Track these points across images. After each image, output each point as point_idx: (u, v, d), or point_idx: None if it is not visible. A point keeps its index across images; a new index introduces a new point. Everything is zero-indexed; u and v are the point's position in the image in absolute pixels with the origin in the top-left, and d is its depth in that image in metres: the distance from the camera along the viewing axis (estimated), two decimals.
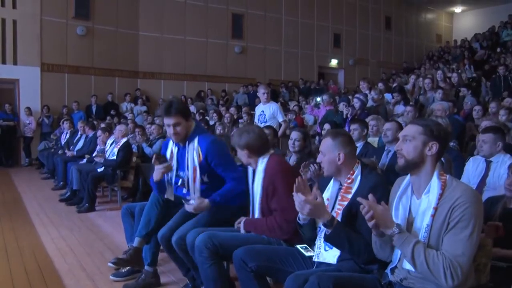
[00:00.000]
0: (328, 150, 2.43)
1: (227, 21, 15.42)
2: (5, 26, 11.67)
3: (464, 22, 21.55)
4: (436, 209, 1.93)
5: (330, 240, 2.25)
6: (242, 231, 2.97)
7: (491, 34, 17.85)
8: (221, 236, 2.81)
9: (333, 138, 2.45)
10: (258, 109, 6.64)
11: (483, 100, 9.04)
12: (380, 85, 9.59)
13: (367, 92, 8.24)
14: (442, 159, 3.33)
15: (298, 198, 2.21)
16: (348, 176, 2.40)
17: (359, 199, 1.99)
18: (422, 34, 21.22)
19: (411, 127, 2.10)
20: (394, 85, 9.42)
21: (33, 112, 11.95)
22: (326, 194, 2.49)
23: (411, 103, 7.51)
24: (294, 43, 16.97)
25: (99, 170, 6.70)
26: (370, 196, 1.99)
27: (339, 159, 2.39)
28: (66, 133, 9.93)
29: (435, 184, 1.98)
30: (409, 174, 2.10)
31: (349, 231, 2.23)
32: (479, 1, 19.60)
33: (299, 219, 2.44)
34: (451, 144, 5.01)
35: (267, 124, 6.19)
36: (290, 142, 4.43)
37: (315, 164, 3.61)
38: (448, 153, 3.91)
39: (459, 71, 12.17)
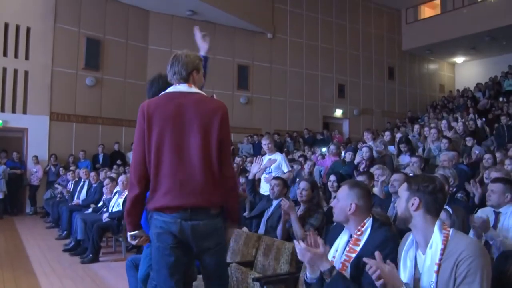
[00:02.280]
0: (343, 198, 2.45)
1: (233, 72, 15.75)
2: (17, 76, 11.97)
3: (466, 72, 21.87)
4: (439, 265, 1.91)
5: None
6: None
7: (493, 84, 18.10)
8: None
9: (350, 187, 2.47)
10: (264, 160, 6.66)
11: (488, 150, 9.06)
12: (387, 134, 9.61)
13: (371, 143, 8.27)
14: (449, 209, 3.31)
15: (299, 246, 2.22)
16: (358, 228, 2.40)
17: (365, 259, 1.98)
18: (425, 84, 21.50)
19: (403, 184, 2.18)
20: (399, 135, 9.47)
21: (40, 160, 12.05)
22: (336, 245, 2.48)
23: (416, 153, 7.53)
24: (299, 93, 17.22)
25: (104, 220, 6.68)
26: (377, 254, 1.98)
27: (350, 209, 2.40)
28: (71, 183, 9.96)
29: (437, 238, 1.98)
30: None
31: (349, 282, 2.20)
32: (479, 52, 19.97)
33: (306, 277, 2.40)
34: (458, 195, 4.99)
35: (272, 174, 6.20)
36: (298, 192, 4.43)
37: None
38: (455, 204, 3.89)
39: (464, 120, 12.28)
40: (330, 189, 5.36)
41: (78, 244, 7.03)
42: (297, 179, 7.30)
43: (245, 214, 5.46)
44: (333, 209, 2.51)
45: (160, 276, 2.48)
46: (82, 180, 9.33)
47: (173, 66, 2.56)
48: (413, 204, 2.04)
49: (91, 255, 6.35)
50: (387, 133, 9.88)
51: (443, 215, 2.87)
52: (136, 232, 2.51)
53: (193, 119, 2.45)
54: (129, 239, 2.53)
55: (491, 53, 19.74)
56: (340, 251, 2.43)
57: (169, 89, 2.55)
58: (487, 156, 6.80)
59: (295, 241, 2.29)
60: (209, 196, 2.45)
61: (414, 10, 20.31)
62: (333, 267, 2.20)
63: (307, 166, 8.53)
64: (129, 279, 3.74)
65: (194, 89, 2.54)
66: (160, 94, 2.58)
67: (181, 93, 2.51)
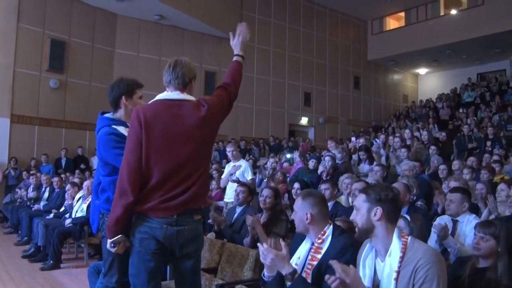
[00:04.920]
0: (298, 209, 2.51)
1: (200, 79, 15.67)
2: None
3: (429, 83, 22.50)
4: (398, 272, 1.97)
5: None
6: None
7: (454, 95, 18.71)
8: None
9: (303, 198, 2.53)
10: (229, 167, 6.69)
11: (448, 159, 9.31)
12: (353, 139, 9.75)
13: (335, 151, 8.38)
14: (408, 217, 3.41)
15: (261, 247, 2.25)
16: (319, 236, 2.44)
17: (331, 262, 2.01)
18: (389, 94, 22.00)
19: (359, 196, 2.21)
20: (360, 144, 9.64)
21: (0, 164, 11.67)
22: (298, 253, 2.52)
23: (375, 162, 7.67)
24: (266, 101, 17.32)
25: (67, 225, 6.52)
26: (335, 263, 2.00)
27: (306, 219, 2.45)
28: (32, 188, 9.70)
29: (395, 246, 2.04)
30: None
31: (310, 285, 2.23)
32: (441, 64, 20.65)
33: (263, 275, 2.42)
34: (418, 203, 5.13)
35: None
36: (261, 199, 4.45)
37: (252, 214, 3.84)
38: (415, 212, 4.00)
39: (426, 129, 12.62)
40: (295, 197, 5.41)
41: (38, 250, 6.84)
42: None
43: (210, 221, 5.46)
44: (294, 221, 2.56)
45: (137, 281, 2.47)
46: (43, 186, 9.11)
47: (175, 70, 2.54)
48: (375, 214, 2.08)
49: (52, 261, 6.18)
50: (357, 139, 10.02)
51: (401, 223, 2.95)
52: (118, 237, 2.45)
53: (189, 130, 2.47)
54: (108, 246, 2.48)
55: (452, 65, 20.44)
56: (302, 260, 2.47)
57: (163, 96, 2.54)
58: (442, 166, 6.99)
59: (258, 244, 2.32)
60: (199, 201, 2.54)
61: (379, 22, 20.78)
62: (295, 271, 2.22)
63: (269, 163, 8.58)
64: (91, 286, 3.67)
65: (187, 96, 2.55)
66: (154, 100, 2.56)
67: (177, 101, 2.51)
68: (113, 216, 2.42)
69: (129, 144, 2.45)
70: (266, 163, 10.07)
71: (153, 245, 2.43)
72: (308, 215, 2.45)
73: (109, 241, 2.46)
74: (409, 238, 2.07)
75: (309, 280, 2.31)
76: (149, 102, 2.57)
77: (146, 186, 2.43)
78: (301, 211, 2.49)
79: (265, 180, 8.31)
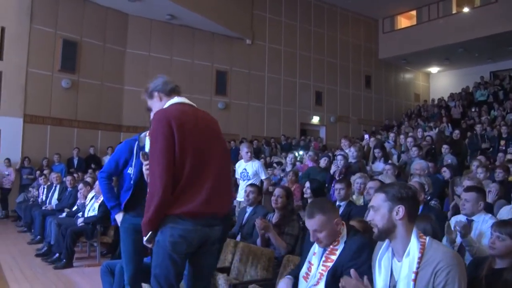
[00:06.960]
0: (323, 226, 2.43)
1: (211, 78, 15.71)
2: None
3: (440, 82, 22.32)
4: (416, 273, 1.94)
5: None
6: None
7: (466, 94, 18.51)
8: None
9: (323, 214, 2.43)
10: (240, 167, 6.65)
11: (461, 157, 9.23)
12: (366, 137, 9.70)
13: (348, 150, 8.32)
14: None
15: None
16: None
17: (345, 278, 2.00)
18: (401, 93, 21.85)
19: (376, 196, 2.14)
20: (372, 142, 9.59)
21: (13, 163, 11.76)
22: (311, 253, 2.49)
23: (389, 161, 7.60)
24: (277, 100, 17.31)
25: (79, 224, 6.55)
26: (352, 271, 1.99)
27: (337, 225, 2.44)
28: (44, 188, 9.77)
29: (414, 246, 2.00)
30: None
31: None
32: (453, 63, 20.45)
33: None
34: (432, 203, 5.08)
35: (250, 181, 6.20)
36: (273, 199, 4.42)
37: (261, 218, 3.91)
38: (430, 211, 3.96)
39: (437, 129, 12.53)
40: (305, 196, 5.40)
41: (51, 249, 6.89)
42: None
43: None
44: (319, 238, 2.46)
45: (165, 283, 2.47)
46: (54, 184, 9.17)
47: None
48: (397, 213, 2.03)
49: (64, 260, 6.21)
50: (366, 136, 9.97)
51: None
52: (150, 233, 2.48)
53: (211, 132, 2.66)
54: (145, 242, 2.52)
55: (464, 64, 20.21)
56: (316, 261, 2.44)
57: (182, 100, 2.67)
58: (443, 169, 6.89)
59: None
60: (230, 203, 2.78)
61: (390, 20, 20.65)
62: None
63: (289, 160, 8.66)
64: (103, 285, 3.69)
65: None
66: (176, 103, 2.64)
67: (190, 105, 2.69)
68: (147, 216, 2.44)
69: (160, 145, 2.44)
70: (280, 161, 10.05)
71: (184, 249, 2.47)
72: (337, 221, 2.47)
73: (145, 238, 2.51)
74: (427, 238, 2.03)
75: (323, 282, 2.29)
76: (171, 105, 2.63)
77: (177, 187, 2.44)
78: (329, 224, 2.46)
79: (284, 178, 8.32)
